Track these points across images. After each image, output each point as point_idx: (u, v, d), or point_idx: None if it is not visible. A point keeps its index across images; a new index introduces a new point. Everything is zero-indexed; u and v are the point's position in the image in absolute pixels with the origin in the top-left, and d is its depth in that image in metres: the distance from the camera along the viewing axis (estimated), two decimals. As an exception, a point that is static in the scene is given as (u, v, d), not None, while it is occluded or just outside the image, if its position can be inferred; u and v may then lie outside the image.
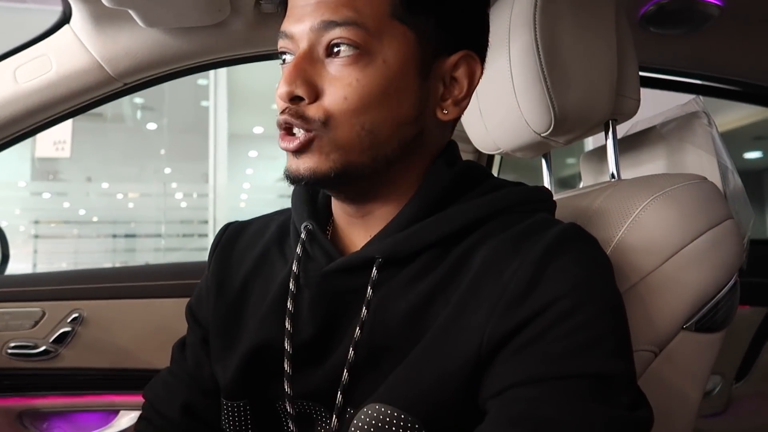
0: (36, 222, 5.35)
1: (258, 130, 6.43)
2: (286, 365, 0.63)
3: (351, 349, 0.60)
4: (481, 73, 0.66)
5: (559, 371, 0.51)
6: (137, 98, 5.70)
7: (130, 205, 5.66)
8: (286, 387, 0.63)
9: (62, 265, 5.39)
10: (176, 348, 0.83)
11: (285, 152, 0.64)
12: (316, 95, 0.60)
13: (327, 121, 0.59)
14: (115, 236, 5.58)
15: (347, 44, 0.58)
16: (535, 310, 0.53)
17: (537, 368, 0.51)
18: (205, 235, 5.44)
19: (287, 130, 0.61)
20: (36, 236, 5.30)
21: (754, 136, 6.24)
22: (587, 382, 0.51)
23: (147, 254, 5.51)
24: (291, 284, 0.66)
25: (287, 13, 0.63)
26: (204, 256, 1.24)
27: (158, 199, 5.62)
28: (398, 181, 0.65)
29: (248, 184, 6.28)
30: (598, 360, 0.52)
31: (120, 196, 5.59)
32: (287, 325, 0.64)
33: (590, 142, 3.02)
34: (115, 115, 5.69)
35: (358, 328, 0.60)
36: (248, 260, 0.75)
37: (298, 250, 0.67)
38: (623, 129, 1.09)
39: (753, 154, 6.91)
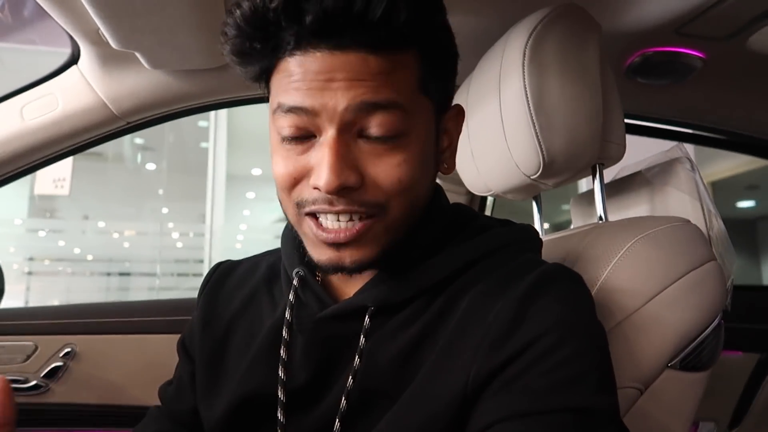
0: (30, 259, 5.32)
1: (256, 171, 6.48)
2: (279, 414, 0.63)
3: (343, 398, 0.59)
4: (463, 120, 0.68)
5: (543, 406, 0.52)
6: (137, 139, 5.77)
7: (126, 244, 5.65)
8: None
9: (54, 303, 5.34)
10: (164, 384, 0.83)
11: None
12: (362, 180, 0.57)
13: (386, 204, 0.58)
14: (109, 274, 5.55)
15: (387, 130, 0.56)
16: (519, 348, 0.54)
17: (521, 404, 0.52)
18: (201, 275, 5.41)
19: (327, 214, 0.58)
20: (29, 273, 5.27)
21: (746, 186, 6.32)
22: (571, 417, 0.51)
23: (141, 293, 5.46)
24: (284, 332, 0.65)
25: (290, 85, 0.56)
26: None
27: (154, 238, 5.62)
28: None
29: (245, 225, 6.29)
30: (582, 395, 0.53)
31: (116, 235, 5.59)
32: (280, 372, 0.64)
33: (584, 186, 3.06)
34: (115, 155, 5.74)
35: (350, 377, 0.60)
36: (236, 300, 0.75)
37: (291, 297, 0.67)
38: (611, 173, 1.12)
39: (745, 203, 6.97)
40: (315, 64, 0.55)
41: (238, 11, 0.55)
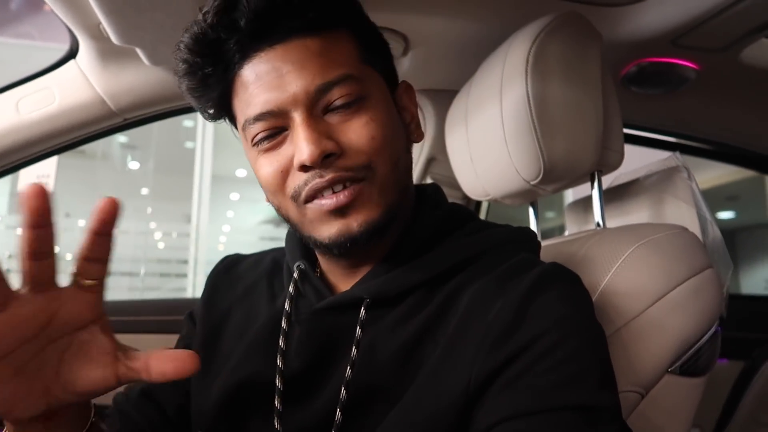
0: (10, 257, 5.23)
1: (241, 173, 6.44)
2: (276, 402, 0.63)
3: (343, 388, 0.60)
4: (414, 95, 0.73)
5: (546, 404, 0.52)
6: (122, 137, 5.71)
7: (108, 243, 5.57)
8: (275, 424, 0.63)
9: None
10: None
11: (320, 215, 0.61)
12: (340, 149, 0.60)
13: (370, 164, 0.60)
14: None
15: (348, 98, 0.60)
16: (520, 346, 0.55)
17: (525, 402, 0.53)
18: (184, 275, 5.36)
19: (323, 189, 0.60)
20: (8, 271, 5.18)
21: (726, 196, 6.42)
22: (575, 414, 0.52)
23: (121, 293, 5.40)
24: (283, 322, 0.67)
25: (251, 95, 0.60)
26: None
27: (137, 238, 5.56)
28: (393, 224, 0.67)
29: (228, 227, 6.24)
30: (585, 392, 0.53)
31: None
32: (279, 362, 0.65)
33: (570, 195, 3.10)
34: (100, 153, 5.67)
35: (348, 367, 0.61)
36: (238, 288, 0.78)
37: (291, 288, 0.69)
38: (606, 181, 1.13)
39: (725, 214, 7.09)
40: (264, 64, 0.60)
41: (182, 45, 0.60)
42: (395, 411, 0.57)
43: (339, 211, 0.60)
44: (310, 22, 0.60)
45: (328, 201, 0.60)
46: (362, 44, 0.64)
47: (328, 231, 0.61)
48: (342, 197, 0.59)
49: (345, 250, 0.62)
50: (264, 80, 0.59)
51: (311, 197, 0.61)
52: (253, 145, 0.62)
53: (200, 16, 0.59)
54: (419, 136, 0.71)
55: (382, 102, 0.64)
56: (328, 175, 0.59)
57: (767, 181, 5.70)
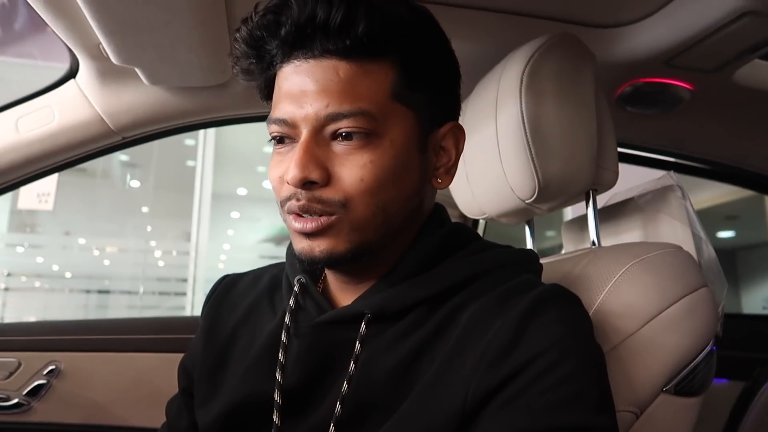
0: (8, 275, 5.22)
1: (242, 191, 6.46)
2: (275, 416, 0.63)
3: (338, 403, 0.60)
4: (464, 140, 0.70)
5: (543, 424, 0.52)
6: (122, 155, 5.73)
7: (106, 261, 5.57)
8: None
9: (32, 319, 5.23)
10: (171, 398, 0.83)
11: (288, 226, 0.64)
12: (328, 178, 0.60)
13: (346, 203, 0.60)
14: (88, 292, 5.46)
15: (356, 132, 0.60)
16: (518, 367, 0.55)
17: (521, 422, 0.52)
18: (183, 294, 5.34)
19: (300, 213, 0.62)
20: (6, 289, 5.17)
21: (725, 216, 6.42)
22: None
23: (120, 311, 5.38)
24: (283, 336, 0.67)
25: (278, 99, 0.64)
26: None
27: (136, 256, 5.55)
28: (394, 245, 0.67)
29: (228, 245, 6.24)
30: (582, 413, 0.53)
31: (96, 252, 5.51)
32: (278, 376, 0.65)
33: (569, 213, 3.10)
34: (100, 171, 5.69)
35: (345, 382, 0.61)
36: (239, 310, 0.77)
37: (291, 302, 0.69)
38: (601, 200, 1.13)
39: (725, 233, 7.08)
40: (296, 75, 0.62)
41: (238, 35, 0.64)
42: (388, 425, 0.57)
43: (305, 234, 0.62)
44: (345, 47, 0.60)
45: (296, 224, 0.62)
46: (405, 77, 0.63)
47: (297, 245, 0.64)
48: (308, 225, 0.61)
49: (309, 266, 0.65)
50: (291, 90, 0.62)
51: (289, 212, 0.63)
52: (270, 142, 0.66)
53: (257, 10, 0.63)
54: (444, 183, 0.69)
55: (396, 144, 0.62)
56: (302, 201, 0.61)
57: (767, 200, 5.71)
